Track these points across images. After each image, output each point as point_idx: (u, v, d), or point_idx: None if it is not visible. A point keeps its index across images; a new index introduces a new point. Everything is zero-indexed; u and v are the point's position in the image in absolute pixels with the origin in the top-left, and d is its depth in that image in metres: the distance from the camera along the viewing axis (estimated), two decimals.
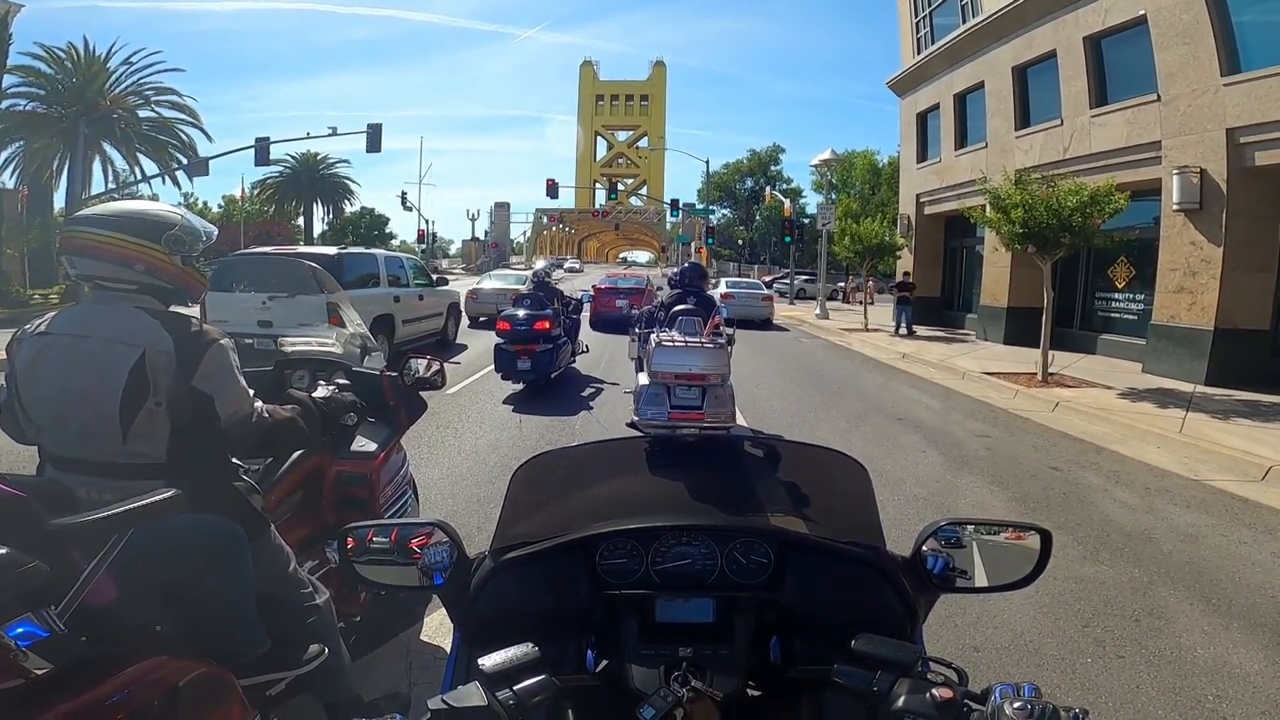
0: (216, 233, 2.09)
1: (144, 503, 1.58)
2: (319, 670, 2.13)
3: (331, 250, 11.69)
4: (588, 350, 11.21)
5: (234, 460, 2.11)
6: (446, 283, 15.19)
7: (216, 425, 1.88)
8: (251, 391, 1.98)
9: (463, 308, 15.51)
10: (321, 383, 2.49)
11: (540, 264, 11.85)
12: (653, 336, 6.43)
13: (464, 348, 13.80)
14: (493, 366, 9.26)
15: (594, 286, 18.45)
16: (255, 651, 1.94)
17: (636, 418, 6.19)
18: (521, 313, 9.21)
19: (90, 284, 1.91)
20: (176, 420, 1.83)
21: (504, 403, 8.70)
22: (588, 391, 9.62)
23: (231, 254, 11.41)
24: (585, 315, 13.26)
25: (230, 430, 1.91)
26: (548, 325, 9.12)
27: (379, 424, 3.00)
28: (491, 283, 18.88)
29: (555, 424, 7.77)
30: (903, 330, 18.11)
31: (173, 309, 1.96)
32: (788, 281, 35.41)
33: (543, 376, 9.11)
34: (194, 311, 1.98)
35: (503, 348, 9.00)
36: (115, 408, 1.77)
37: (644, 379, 6.40)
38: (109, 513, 1.55)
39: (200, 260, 2.00)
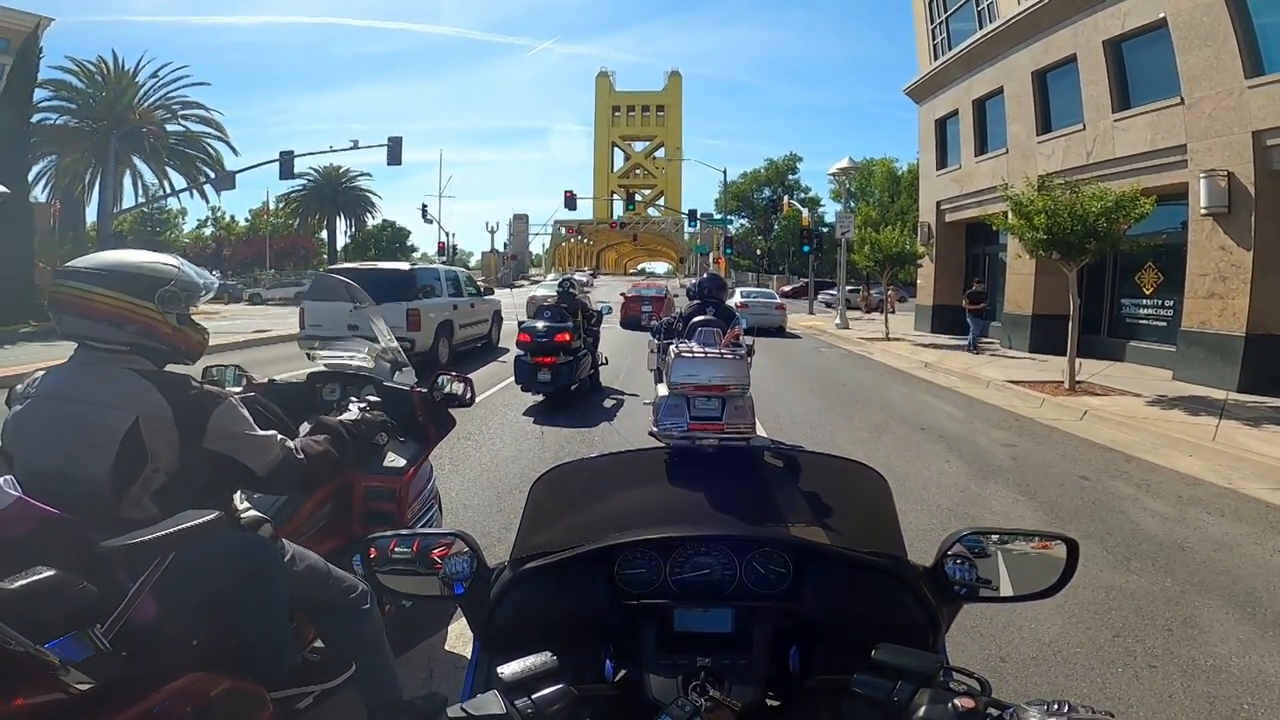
0: (217, 284, 2.00)
1: (190, 524, 1.60)
2: (367, 670, 2.16)
3: (405, 265, 14.07)
4: (607, 362, 11.22)
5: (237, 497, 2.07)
6: (493, 292, 17.21)
7: (253, 479, 1.87)
8: (277, 435, 1.93)
9: (524, 311, 18.02)
10: (353, 400, 2.50)
11: (552, 276, 12.73)
12: (672, 347, 6.40)
13: (505, 350, 14.16)
14: (513, 378, 9.30)
15: (623, 295, 23.02)
16: (287, 665, 1.96)
17: (656, 429, 6.15)
18: (541, 324, 9.23)
19: (78, 342, 1.81)
20: (190, 481, 1.78)
21: (524, 414, 8.72)
22: (608, 403, 9.63)
23: (324, 270, 15.47)
24: (616, 317, 14.68)
25: (268, 478, 1.88)
26: (568, 337, 9.10)
27: (407, 439, 3.02)
28: (544, 290, 23.63)
29: (575, 435, 7.78)
30: (973, 346, 16.10)
31: (169, 368, 1.87)
32: (833, 293, 32.31)
33: (562, 388, 9.09)
34: (191, 369, 1.94)
35: (523, 359, 9.03)
36: (106, 476, 1.68)
37: (663, 390, 6.35)
38: (157, 535, 1.57)
39: (190, 320, 1.90)
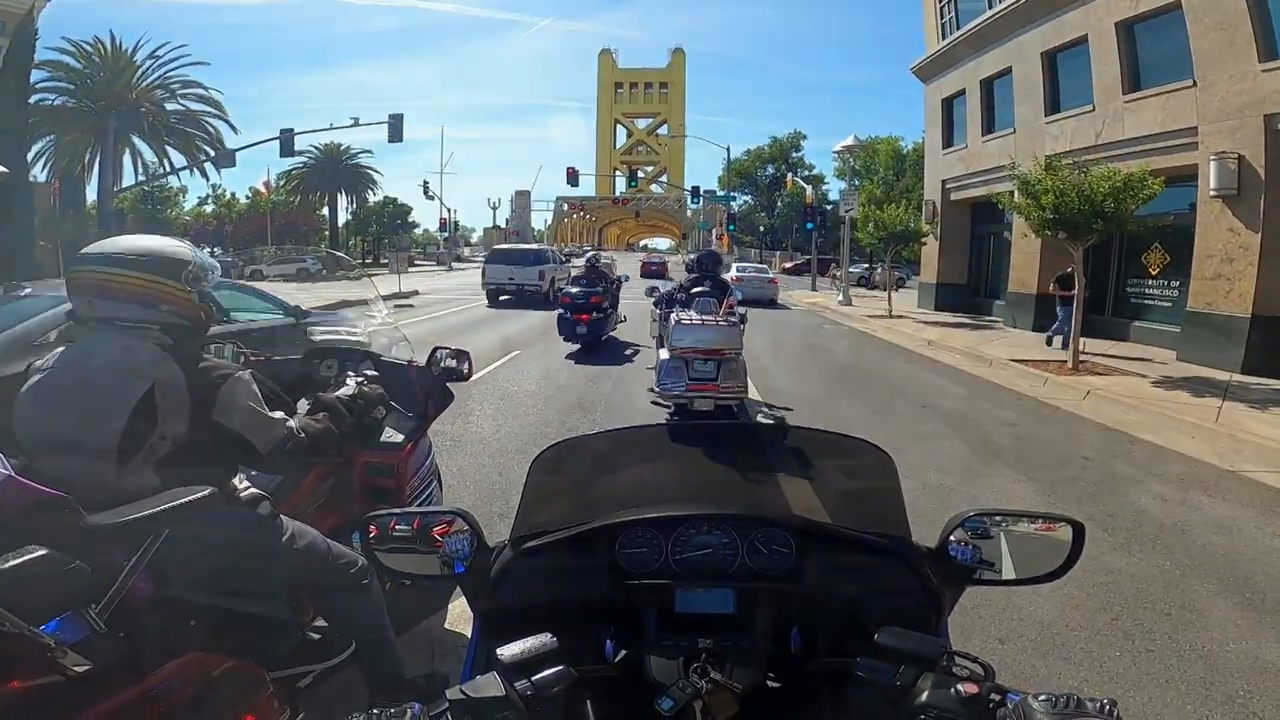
0: (220, 269, 2.08)
1: (182, 501, 1.59)
2: (367, 648, 2.17)
3: (535, 245, 25.45)
4: (625, 319, 13.42)
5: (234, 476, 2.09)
6: (569, 261, 27.20)
7: (255, 456, 1.89)
8: (281, 415, 1.95)
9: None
10: (350, 374, 2.48)
11: (564, 250, 15.73)
12: (673, 316, 7.07)
13: None
14: (557, 330, 12.06)
15: (641, 261, 41.39)
16: (287, 644, 1.96)
17: (657, 388, 6.86)
18: (577, 290, 12.08)
19: (102, 323, 1.85)
20: (192, 453, 1.80)
21: (566, 357, 11.21)
22: (628, 351, 11.95)
23: (496, 247, 25.92)
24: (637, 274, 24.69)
25: (269, 457, 1.90)
26: (599, 299, 11.91)
27: (406, 414, 3.01)
28: (579, 261, 32.97)
29: (603, 372, 10.04)
30: (1055, 343, 13.11)
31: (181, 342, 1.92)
32: (853, 270, 29.36)
33: (595, 338, 11.91)
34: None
35: (565, 316, 11.87)
36: (115, 440, 1.72)
37: (664, 354, 7.03)
38: (148, 512, 1.56)
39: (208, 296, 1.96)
